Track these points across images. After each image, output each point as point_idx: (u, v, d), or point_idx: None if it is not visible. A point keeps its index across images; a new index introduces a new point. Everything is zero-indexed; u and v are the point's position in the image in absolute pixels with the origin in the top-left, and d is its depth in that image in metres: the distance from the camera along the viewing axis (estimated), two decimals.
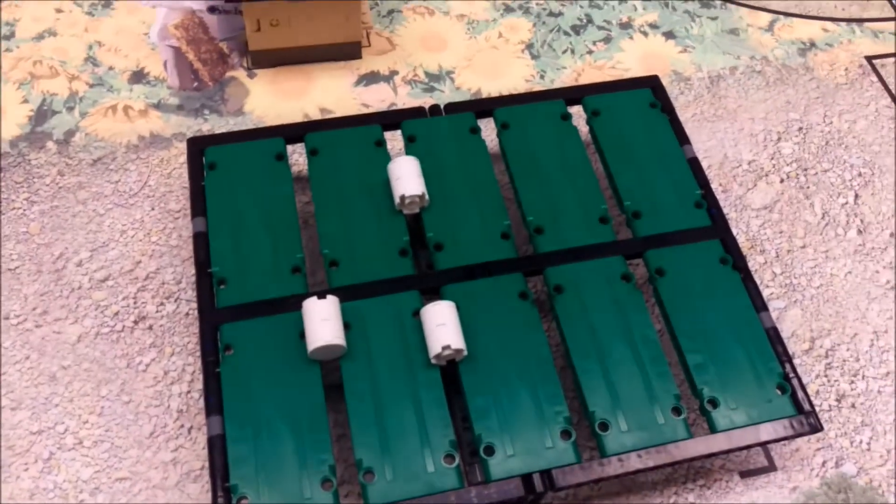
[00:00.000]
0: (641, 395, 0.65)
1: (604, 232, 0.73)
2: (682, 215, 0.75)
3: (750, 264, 0.82)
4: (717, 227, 0.75)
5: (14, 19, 0.90)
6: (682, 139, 0.80)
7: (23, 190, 0.77)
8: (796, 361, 0.77)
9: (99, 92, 0.86)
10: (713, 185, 0.87)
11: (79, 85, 0.86)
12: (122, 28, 0.91)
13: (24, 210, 0.76)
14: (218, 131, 0.84)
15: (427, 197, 0.71)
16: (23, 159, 0.79)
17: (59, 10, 0.92)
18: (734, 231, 0.84)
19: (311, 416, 0.61)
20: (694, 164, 0.79)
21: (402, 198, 0.70)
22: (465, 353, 0.64)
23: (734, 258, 0.73)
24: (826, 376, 0.77)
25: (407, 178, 0.70)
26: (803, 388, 0.67)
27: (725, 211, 0.86)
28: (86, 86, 0.86)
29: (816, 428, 0.65)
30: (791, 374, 0.67)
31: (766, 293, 0.81)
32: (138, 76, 0.88)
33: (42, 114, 0.83)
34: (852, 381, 0.77)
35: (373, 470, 0.60)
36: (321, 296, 0.64)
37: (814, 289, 0.82)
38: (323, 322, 0.62)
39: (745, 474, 0.71)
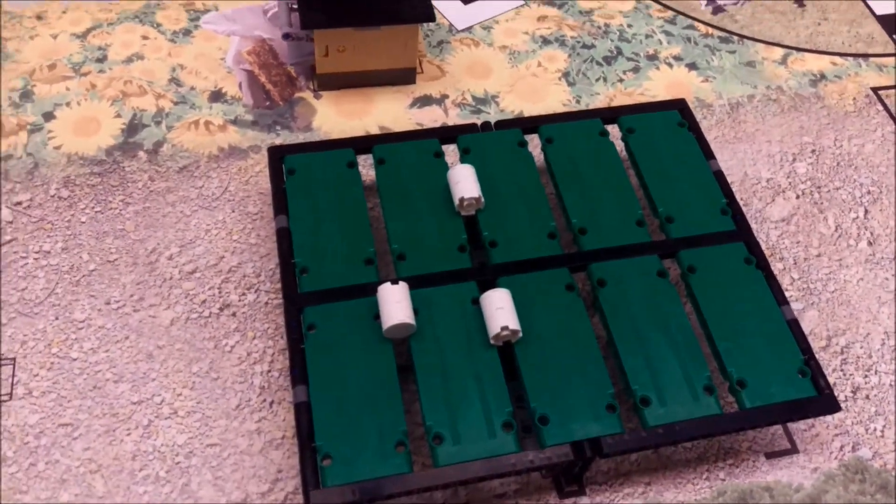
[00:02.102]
0: (678, 375, 0.72)
1: (640, 234, 0.82)
2: (710, 220, 0.83)
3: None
4: (741, 231, 0.83)
5: (106, 44, 1.01)
6: (708, 154, 0.89)
7: (118, 192, 0.86)
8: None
9: (182, 109, 0.95)
10: None
11: (164, 102, 0.96)
12: (201, 53, 1.01)
13: (121, 210, 0.85)
14: None
15: (483, 200, 0.80)
16: (117, 166, 0.89)
17: (144, 37, 1.02)
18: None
19: (386, 386, 0.69)
20: (719, 176, 0.87)
21: (462, 200, 0.79)
22: (521, 335, 0.72)
23: (757, 259, 0.81)
24: (842, 370, 0.84)
25: (465, 182, 0.79)
26: (821, 372, 0.75)
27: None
28: (171, 103, 0.96)
29: (835, 407, 0.73)
30: (811, 360, 0.75)
31: (785, 296, 0.89)
32: (217, 95, 0.97)
33: (133, 127, 0.93)
34: (866, 376, 0.84)
35: (441, 435, 0.68)
36: (394, 282, 0.73)
37: (829, 293, 0.90)
38: (396, 304, 0.71)
39: (769, 455, 0.78)
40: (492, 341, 0.72)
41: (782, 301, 0.78)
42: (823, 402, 0.73)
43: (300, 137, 0.95)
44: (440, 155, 0.86)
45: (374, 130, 0.96)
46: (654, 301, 0.77)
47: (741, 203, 0.96)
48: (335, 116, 0.97)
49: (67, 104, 0.94)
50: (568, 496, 0.74)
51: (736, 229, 0.83)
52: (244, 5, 1.07)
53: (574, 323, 0.75)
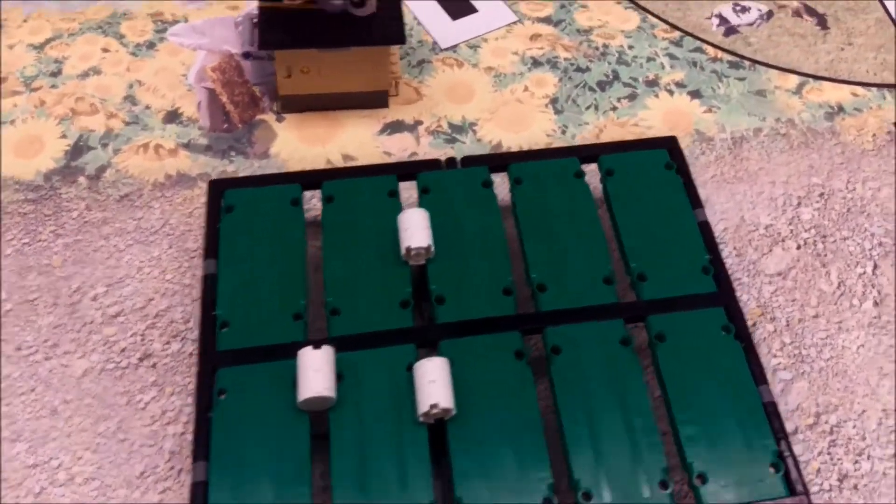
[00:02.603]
0: (629, 465, 0.65)
1: (607, 293, 0.74)
2: (688, 280, 0.75)
3: (759, 332, 0.82)
4: (722, 293, 0.75)
5: (63, 56, 0.96)
6: (695, 202, 0.80)
7: (50, 223, 0.81)
8: (799, 437, 0.76)
9: (133, 130, 0.90)
10: (727, 249, 0.87)
11: (115, 122, 0.90)
12: (163, 68, 0.95)
13: (50, 243, 0.80)
14: (242, 173, 0.88)
15: (433, 249, 0.73)
16: (54, 193, 0.84)
17: (105, 50, 0.97)
18: (745, 297, 0.84)
19: (295, 466, 0.63)
20: (704, 228, 0.79)
21: (408, 249, 0.72)
22: (454, 412, 0.65)
23: (737, 327, 0.72)
24: (829, 454, 0.76)
25: (414, 229, 0.72)
26: (798, 467, 0.66)
27: (738, 276, 0.85)
28: (122, 123, 0.90)
29: None
30: (786, 453, 0.67)
31: (773, 363, 0.80)
32: (172, 116, 0.92)
33: (78, 149, 0.87)
34: (856, 461, 0.75)
35: None
36: (316, 345, 0.66)
37: (823, 361, 0.81)
38: (315, 372, 0.64)
39: None
40: (420, 419, 0.65)
41: (761, 379, 0.70)
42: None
43: (255, 165, 0.88)
44: (395, 194, 0.79)
45: (337, 159, 0.90)
46: (613, 374, 0.69)
47: (734, 254, 0.87)
48: (296, 142, 0.91)
49: (12, 122, 0.89)
50: None
51: (717, 291, 0.75)
52: (216, 17, 1.01)
53: (518, 397, 0.68)
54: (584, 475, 0.64)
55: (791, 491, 0.65)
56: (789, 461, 0.66)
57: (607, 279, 0.74)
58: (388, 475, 0.63)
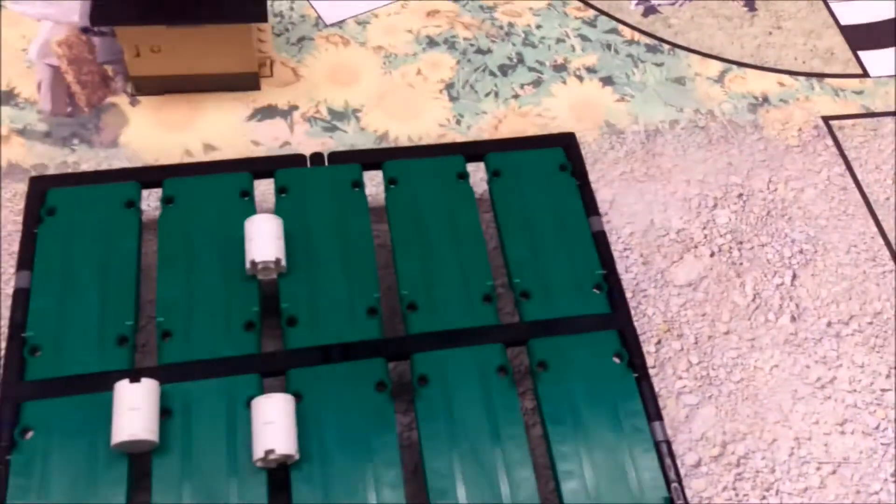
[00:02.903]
0: None
1: (486, 313, 0.65)
2: (578, 298, 0.66)
3: (664, 351, 0.73)
4: (616, 315, 0.66)
5: None
6: (591, 209, 0.71)
7: None
8: (703, 469, 0.68)
9: None
10: (633, 256, 0.78)
11: None
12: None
13: None
14: (85, 164, 0.76)
15: (284, 263, 0.63)
16: None
17: None
18: (651, 310, 0.75)
19: None
20: (599, 238, 0.70)
21: (253, 263, 0.62)
22: (297, 457, 0.56)
23: (631, 354, 0.64)
24: (735, 489, 0.68)
25: (261, 239, 0.62)
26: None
27: (643, 286, 0.77)
28: None
29: None
30: (679, 501, 0.58)
31: (678, 385, 0.72)
32: (7, 97, 0.79)
33: None
34: (764, 497, 0.68)
35: None
36: (135, 378, 0.56)
37: (733, 383, 0.73)
38: (131, 412, 0.54)
39: None
40: (257, 464, 0.55)
41: (654, 415, 0.62)
42: None
43: (100, 155, 0.77)
44: (249, 195, 0.68)
45: (196, 149, 0.78)
46: (487, 409, 0.60)
47: (640, 262, 0.78)
48: (150, 129, 0.79)
49: None
50: None
51: (610, 312, 0.66)
52: None
53: (378, 434, 0.58)
54: None
55: None
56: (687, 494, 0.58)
57: (487, 297, 0.65)
58: None
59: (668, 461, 0.60)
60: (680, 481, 0.59)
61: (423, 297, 0.64)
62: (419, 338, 0.63)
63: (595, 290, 0.67)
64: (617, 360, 0.63)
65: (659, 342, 0.74)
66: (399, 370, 0.69)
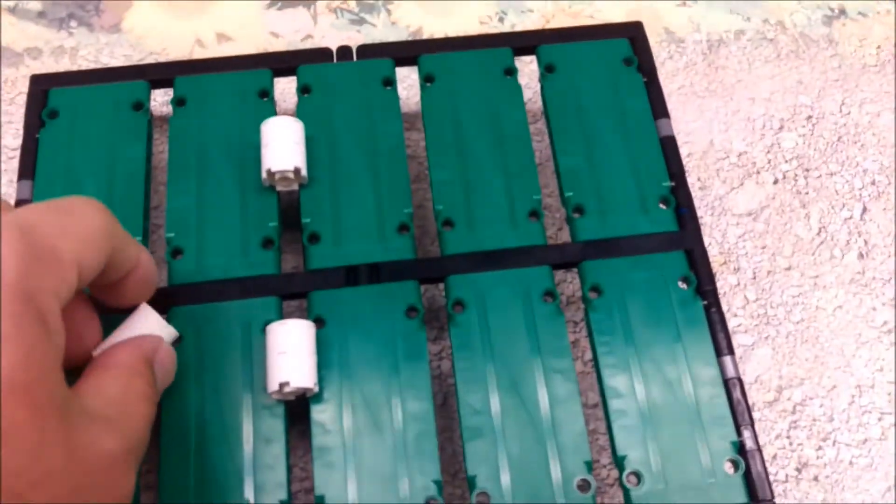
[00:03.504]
0: (540, 459, 0.50)
1: (532, 232, 0.57)
2: (641, 214, 0.58)
3: (719, 285, 0.67)
4: (684, 233, 0.58)
5: None
6: (659, 110, 0.62)
7: None
8: (756, 415, 0.63)
9: None
10: (690, 179, 0.71)
11: None
12: None
13: None
14: (83, 51, 0.68)
15: (304, 172, 0.56)
16: None
17: None
18: (706, 240, 0.68)
19: None
20: (668, 144, 0.61)
21: (269, 172, 0.55)
22: (316, 390, 0.50)
23: (699, 279, 0.57)
24: (789, 437, 0.62)
25: (278, 146, 0.54)
26: (763, 462, 0.52)
27: (699, 214, 0.69)
28: None
29: None
30: (750, 445, 0.52)
31: (732, 323, 0.66)
32: None
33: None
34: (820, 447, 0.62)
35: None
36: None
37: (792, 324, 0.66)
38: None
39: None
40: (273, 397, 0.50)
41: (725, 349, 0.55)
42: None
43: (101, 41, 0.69)
44: (268, 95, 0.60)
45: (209, 39, 0.70)
46: (530, 338, 0.53)
47: (696, 186, 0.71)
48: (158, 13, 0.70)
49: None
50: None
51: (678, 230, 0.58)
52: None
53: (408, 365, 0.52)
54: (481, 472, 0.50)
55: (752, 496, 0.51)
56: (754, 458, 0.51)
57: (534, 213, 0.58)
58: (231, 467, 0.48)
59: (739, 401, 0.53)
60: (752, 424, 0.53)
61: (460, 213, 0.57)
62: (455, 258, 0.56)
63: (661, 206, 0.59)
64: (683, 286, 0.56)
65: (714, 275, 0.67)
66: (429, 295, 0.62)
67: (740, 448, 0.52)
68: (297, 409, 0.52)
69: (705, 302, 0.56)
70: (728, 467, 0.51)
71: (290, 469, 0.49)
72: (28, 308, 0.33)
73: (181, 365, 0.49)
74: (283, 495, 0.48)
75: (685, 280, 0.57)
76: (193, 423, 0.49)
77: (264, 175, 0.55)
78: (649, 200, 0.59)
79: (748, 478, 0.51)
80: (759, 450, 0.52)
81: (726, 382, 0.54)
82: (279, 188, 0.56)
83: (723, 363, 0.54)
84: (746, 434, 0.52)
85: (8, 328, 0.32)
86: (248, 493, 0.48)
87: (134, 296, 0.45)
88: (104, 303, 0.46)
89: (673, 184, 0.60)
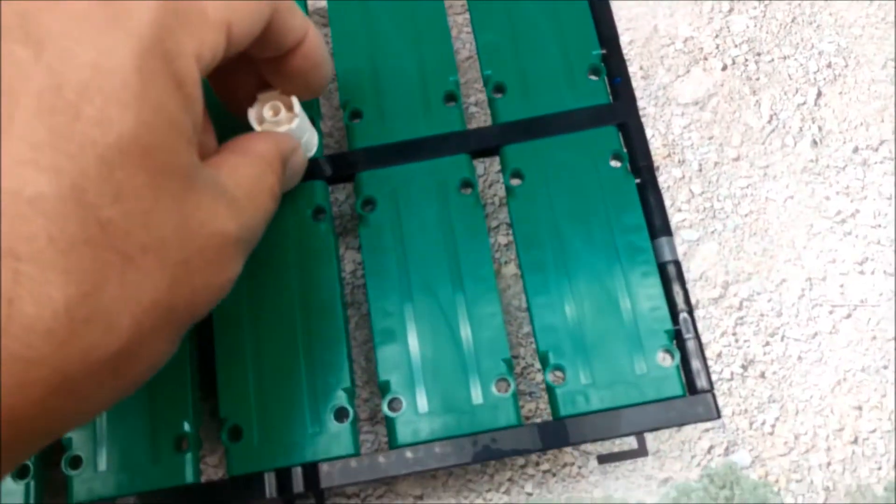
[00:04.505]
0: (457, 361, 0.47)
1: (448, 116, 0.53)
2: (568, 88, 0.53)
3: (662, 179, 0.63)
4: (617, 105, 0.52)
5: None
6: None
7: None
8: (700, 313, 0.60)
9: None
10: (632, 68, 0.66)
11: None
12: None
13: None
14: None
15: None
16: None
17: None
18: (649, 132, 0.64)
19: None
20: (599, 5, 0.55)
21: None
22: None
23: (633, 155, 0.52)
24: (735, 334, 0.59)
25: None
26: (702, 350, 0.48)
27: (642, 105, 0.65)
28: None
29: (710, 416, 0.47)
30: (687, 333, 0.48)
31: (676, 218, 0.62)
32: None
33: None
34: (767, 343, 0.59)
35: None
36: None
37: (740, 217, 0.63)
38: None
39: (604, 459, 0.54)
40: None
41: (661, 230, 0.49)
42: (694, 405, 0.47)
43: None
44: None
45: None
46: (445, 234, 0.49)
47: (639, 75, 0.66)
48: None
49: None
50: None
51: (610, 103, 0.53)
52: None
53: (318, 269, 0.48)
54: (394, 377, 0.46)
55: (690, 388, 0.48)
56: (691, 346, 0.48)
57: (450, 95, 0.53)
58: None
59: (675, 286, 0.48)
60: (690, 310, 0.49)
61: (369, 102, 0.52)
62: (363, 153, 0.51)
63: (591, 77, 0.54)
64: (616, 164, 0.51)
65: (657, 169, 0.63)
66: (335, 197, 0.58)
67: (676, 337, 0.48)
68: None
69: (639, 180, 0.51)
70: (662, 358, 0.48)
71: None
72: (162, 66, 0.30)
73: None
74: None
75: (617, 157, 0.52)
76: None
77: None
78: (577, 72, 0.53)
79: (685, 369, 0.48)
80: (698, 337, 0.48)
81: (662, 266, 0.49)
82: None
83: (658, 245, 0.49)
84: (683, 319, 0.48)
85: (135, 85, 0.29)
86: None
87: (299, 77, 0.42)
88: (265, 80, 0.43)
89: (604, 51, 0.54)
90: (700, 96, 0.66)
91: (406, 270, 0.48)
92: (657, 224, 0.50)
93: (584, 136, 0.51)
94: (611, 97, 0.53)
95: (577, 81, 0.53)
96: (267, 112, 0.43)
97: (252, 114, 0.44)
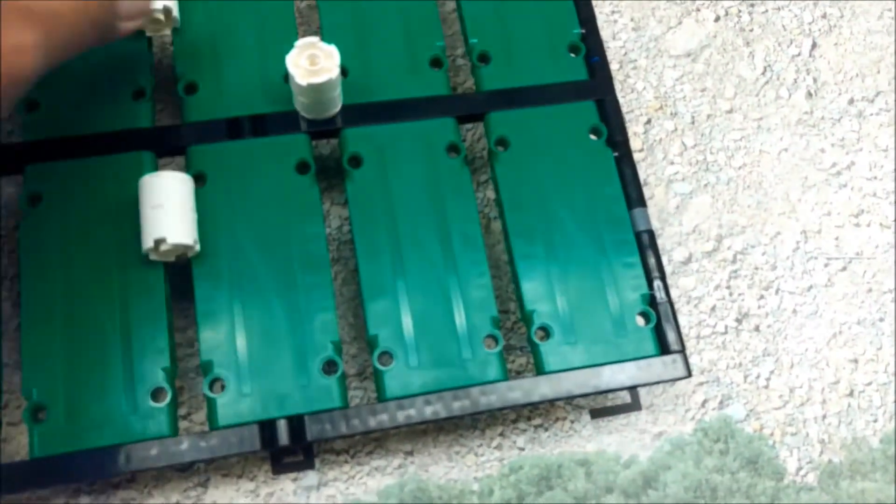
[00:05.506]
0: (445, 317, 0.46)
1: (435, 80, 0.52)
2: (549, 62, 0.53)
3: (655, 132, 0.62)
4: (595, 82, 0.53)
5: None
6: None
7: None
8: (693, 266, 0.59)
9: None
10: (623, 20, 0.65)
11: None
12: None
13: None
14: None
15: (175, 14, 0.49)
16: None
17: None
18: (640, 84, 0.63)
19: None
20: None
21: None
22: (198, 248, 0.45)
23: (610, 129, 0.52)
24: (728, 287, 0.59)
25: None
26: (674, 314, 0.49)
27: (633, 57, 0.64)
28: None
29: (681, 374, 0.48)
30: (661, 297, 0.49)
31: (669, 171, 0.61)
32: None
33: None
34: (762, 296, 0.59)
35: (46, 407, 0.43)
36: None
37: (734, 169, 0.62)
38: None
39: (597, 413, 0.54)
40: (150, 256, 0.45)
41: (636, 201, 0.51)
42: (667, 364, 0.48)
43: None
44: None
45: None
46: (433, 194, 0.49)
47: (630, 26, 0.65)
48: None
49: None
50: (286, 470, 0.50)
51: (588, 80, 0.53)
52: None
53: (301, 223, 0.48)
54: (384, 331, 0.46)
55: (663, 349, 0.48)
56: (663, 310, 0.48)
57: (436, 60, 0.52)
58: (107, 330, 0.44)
59: (650, 254, 0.50)
60: (663, 276, 0.49)
61: (356, 63, 0.51)
62: (354, 110, 0.50)
63: (571, 54, 0.54)
64: (594, 137, 0.52)
65: (649, 122, 0.62)
66: (319, 150, 0.57)
67: (651, 301, 0.49)
68: (179, 271, 0.48)
69: (616, 153, 0.52)
70: (639, 320, 0.48)
71: (172, 334, 0.45)
72: None
73: (49, 231, 0.44)
74: (165, 365, 0.44)
75: (595, 131, 0.52)
76: (57, 289, 0.44)
77: None
78: (558, 48, 0.54)
79: (658, 330, 0.48)
80: (671, 301, 0.49)
81: (638, 235, 0.50)
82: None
83: (634, 216, 0.51)
84: (657, 286, 0.49)
85: None
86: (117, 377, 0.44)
87: None
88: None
89: (583, 31, 0.55)
90: (692, 48, 0.65)
91: (394, 228, 0.48)
92: (633, 196, 0.51)
93: (564, 108, 0.52)
94: (589, 74, 0.53)
95: (559, 56, 0.53)
96: (304, 61, 0.45)
97: (290, 60, 0.45)
